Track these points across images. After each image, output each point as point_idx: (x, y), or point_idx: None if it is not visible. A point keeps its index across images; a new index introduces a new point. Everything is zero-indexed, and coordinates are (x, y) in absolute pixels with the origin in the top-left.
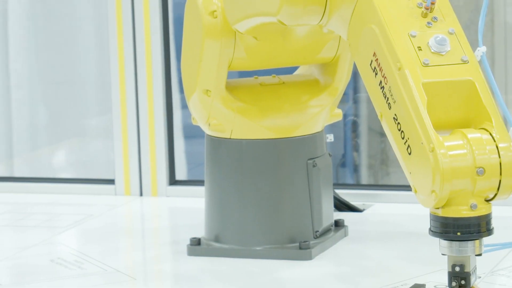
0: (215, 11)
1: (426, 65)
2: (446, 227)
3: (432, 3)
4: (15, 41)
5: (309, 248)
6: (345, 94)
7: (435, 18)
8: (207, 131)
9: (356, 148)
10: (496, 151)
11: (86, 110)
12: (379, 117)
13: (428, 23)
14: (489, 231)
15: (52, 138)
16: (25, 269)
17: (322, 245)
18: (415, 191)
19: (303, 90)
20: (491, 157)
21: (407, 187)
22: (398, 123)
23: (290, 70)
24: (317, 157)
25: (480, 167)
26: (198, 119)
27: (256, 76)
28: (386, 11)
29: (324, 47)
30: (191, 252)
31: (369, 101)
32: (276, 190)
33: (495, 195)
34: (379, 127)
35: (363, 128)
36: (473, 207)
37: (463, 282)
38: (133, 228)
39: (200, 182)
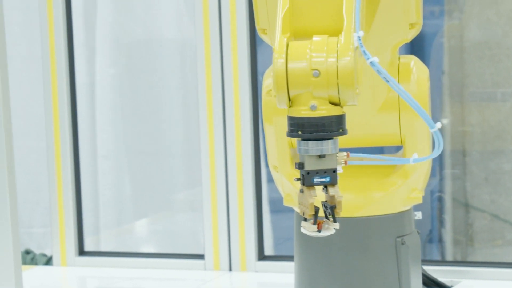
0: (270, 90)
1: None
2: (291, 126)
3: None
4: (102, 111)
5: None
6: (431, 169)
7: None
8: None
9: (442, 224)
10: (335, 55)
11: (173, 182)
12: None
13: None
14: (328, 132)
15: (138, 211)
16: None
17: None
18: None
19: (375, 171)
20: (327, 61)
21: (494, 264)
22: None
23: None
24: (406, 234)
25: (315, 70)
26: (280, 192)
27: None
28: None
29: (376, 126)
30: None
31: (454, 177)
32: (365, 267)
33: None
34: (465, 201)
35: (449, 204)
36: (312, 108)
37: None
38: None
39: (288, 258)
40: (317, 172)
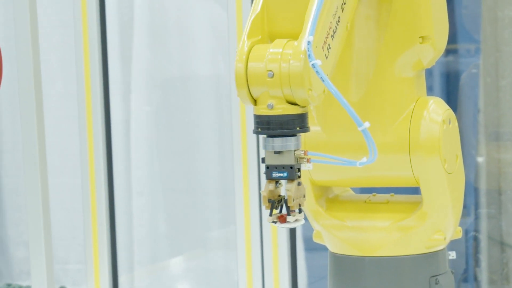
0: None
1: None
2: (255, 124)
3: None
4: (138, 149)
5: None
6: (466, 208)
7: None
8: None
9: (477, 263)
10: (289, 58)
11: (208, 219)
12: None
13: None
14: (283, 130)
15: (173, 248)
16: None
17: None
18: None
19: (396, 211)
20: (281, 63)
21: None
22: None
23: None
24: (440, 274)
25: (270, 71)
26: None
27: (375, 194)
28: None
29: (395, 168)
30: None
31: (489, 216)
32: None
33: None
34: (500, 239)
35: (484, 243)
36: (269, 106)
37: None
38: None
39: None
40: (276, 167)
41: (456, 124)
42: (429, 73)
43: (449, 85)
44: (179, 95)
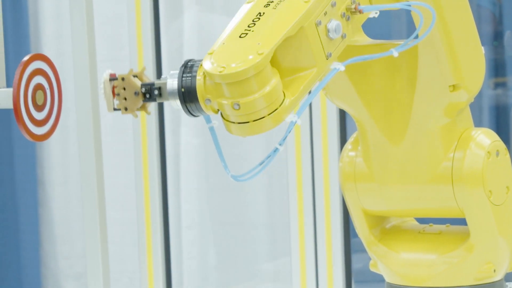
0: (344, 157)
1: (317, 25)
2: (191, 86)
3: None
4: (187, 182)
5: None
6: None
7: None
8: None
9: None
10: (272, 112)
11: (257, 252)
12: None
13: None
14: (194, 116)
15: (223, 282)
16: None
17: None
18: None
19: (446, 242)
20: (261, 111)
21: None
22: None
23: None
24: None
25: (237, 103)
26: None
27: (431, 224)
28: None
29: (438, 197)
30: None
31: None
32: None
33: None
34: None
35: None
36: (207, 102)
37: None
38: None
39: None
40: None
41: (508, 155)
42: (478, 106)
43: (498, 118)
44: None
